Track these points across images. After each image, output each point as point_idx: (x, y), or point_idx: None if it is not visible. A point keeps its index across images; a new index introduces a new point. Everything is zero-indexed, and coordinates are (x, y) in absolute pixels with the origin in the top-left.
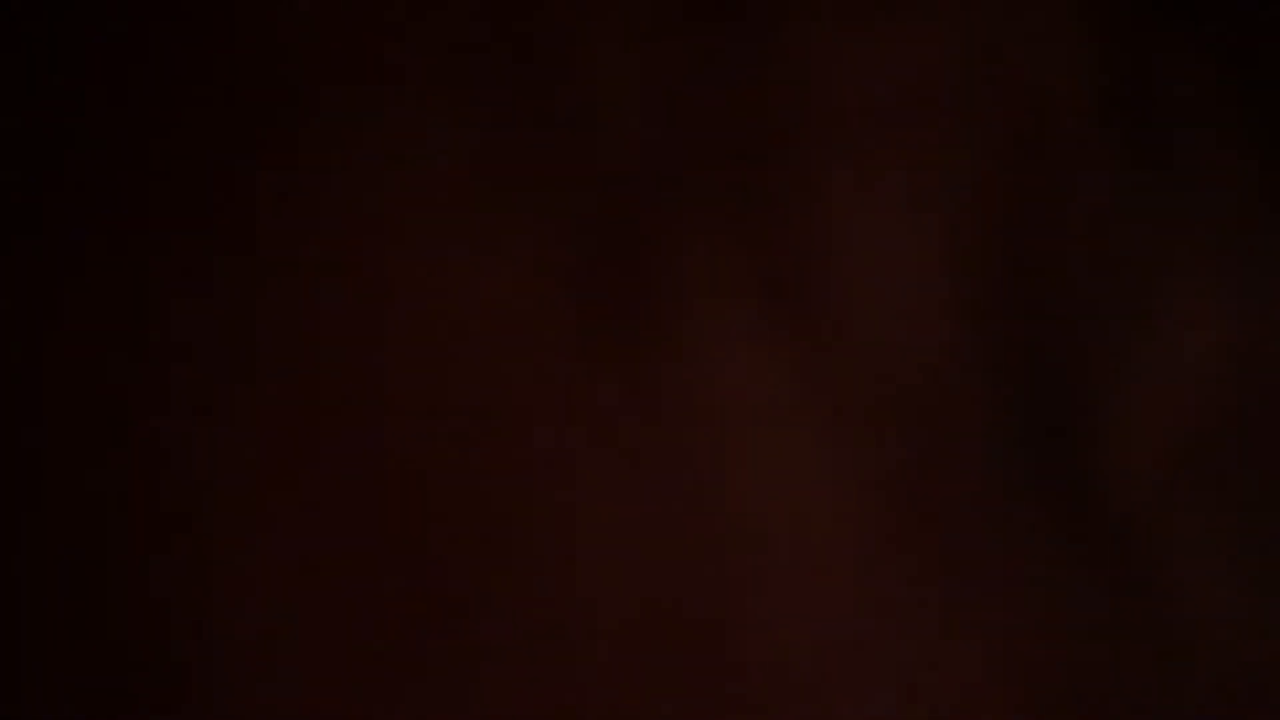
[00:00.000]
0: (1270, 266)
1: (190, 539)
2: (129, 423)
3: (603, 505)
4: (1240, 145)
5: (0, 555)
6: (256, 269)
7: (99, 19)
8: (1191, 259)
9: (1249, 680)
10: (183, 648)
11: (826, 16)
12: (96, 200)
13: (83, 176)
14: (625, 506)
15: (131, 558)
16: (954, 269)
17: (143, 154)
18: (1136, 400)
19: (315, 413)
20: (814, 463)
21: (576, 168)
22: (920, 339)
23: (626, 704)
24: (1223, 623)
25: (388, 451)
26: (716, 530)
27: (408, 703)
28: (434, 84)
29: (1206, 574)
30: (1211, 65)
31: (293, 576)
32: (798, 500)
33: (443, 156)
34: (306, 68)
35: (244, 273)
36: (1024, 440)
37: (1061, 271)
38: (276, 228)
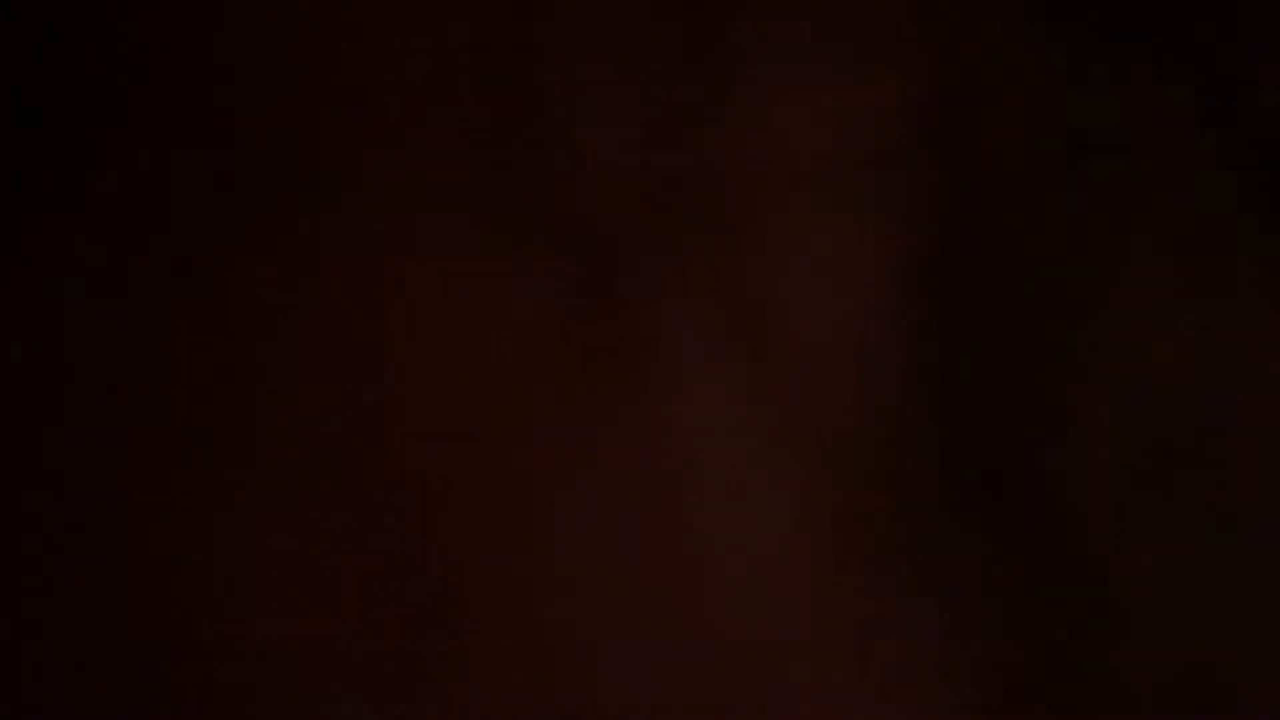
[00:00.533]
0: (1229, 277)
1: (189, 546)
2: (135, 434)
3: (579, 518)
4: (1201, 166)
5: (13, 574)
6: (253, 294)
7: (115, 34)
8: (1148, 275)
9: (1203, 685)
10: (181, 654)
11: (791, 74)
12: (108, 216)
13: (91, 188)
14: (598, 519)
15: (136, 565)
16: (908, 293)
17: (147, 190)
18: (1090, 410)
19: (312, 428)
20: (770, 476)
21: (555, 206)
22: (875, 360)
23: (595, 694)
24: (1177, 627)
25: (381, 466)
26: (682, 541)
27: (402, 699)
28: (418, 126)
29: (1156, 578)
30: (1171, 91)
31: (288, 579)
32: (755, 508)
33: (429, 193)
34: (300, 111)
35: (243, 295)
36: (978, 450)
37: (1017, 290)
38: (272, 258)
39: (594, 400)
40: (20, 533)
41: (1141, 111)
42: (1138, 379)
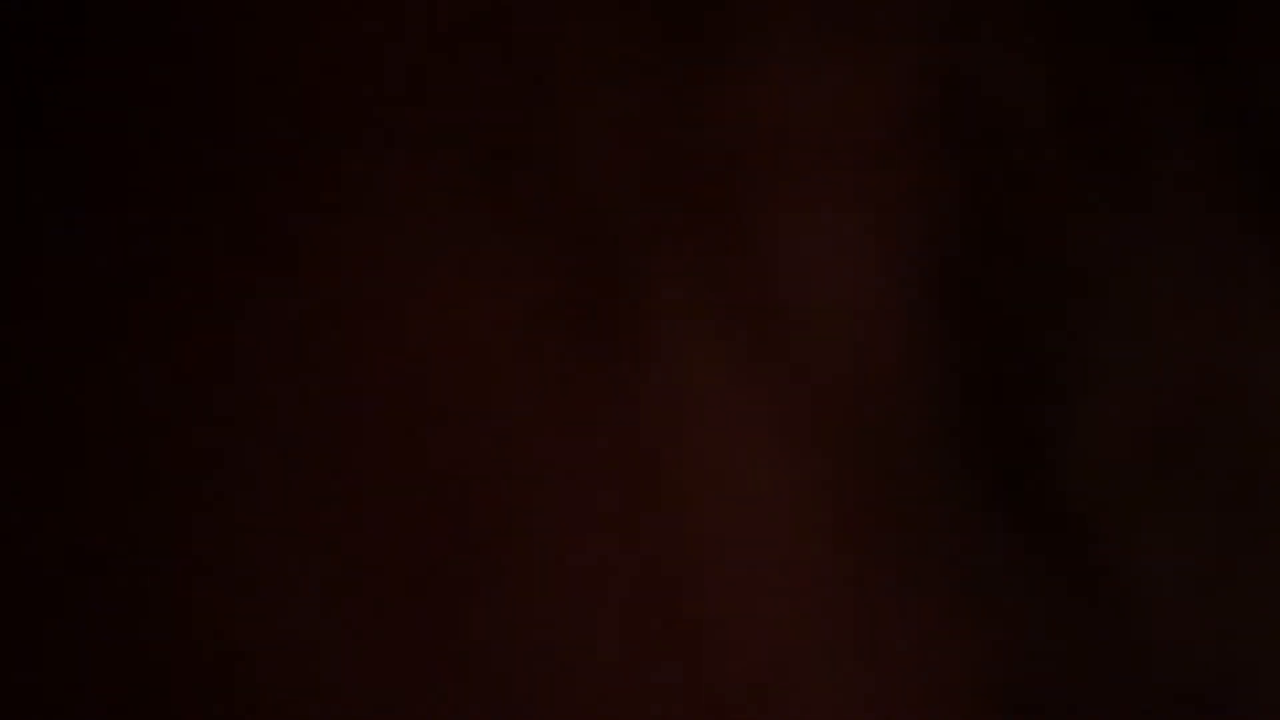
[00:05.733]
0: (1241, 274)
1: (191, 547)
2: (139, 435)
3: (580, 497)
4: (1206, 157)
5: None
6: (259, 286)
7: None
8: (1155, 266)
9: (1212, 681)
10: (187, 656)
11: (789, 56)
12: (110, 219)
13: (91, 191)
14: (600, 505)
15: (142, 567)
16: (911, 280)
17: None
18: (1100, 406)
19: (315, 423)
20: (773, 461)
21: (552, 200)
22: (879, 348)
23: (602, 686)
24: (1186, 623)
25: (382, 449)
26: (681, 525)
27: (408, 693)
28: (421, 137)
29: (1170, 575)
30: (1184, 82)
31: (292, 576)
32: (756, 496)
33: (433, 195)
34: (303, 122)
35: (244, 293)
36: (985, 439)
37: (1023, 277)
38: (270, 253)
39: (593, 387)
40: (26, 534)
41: (1148, 104)
42: (1149, 371)
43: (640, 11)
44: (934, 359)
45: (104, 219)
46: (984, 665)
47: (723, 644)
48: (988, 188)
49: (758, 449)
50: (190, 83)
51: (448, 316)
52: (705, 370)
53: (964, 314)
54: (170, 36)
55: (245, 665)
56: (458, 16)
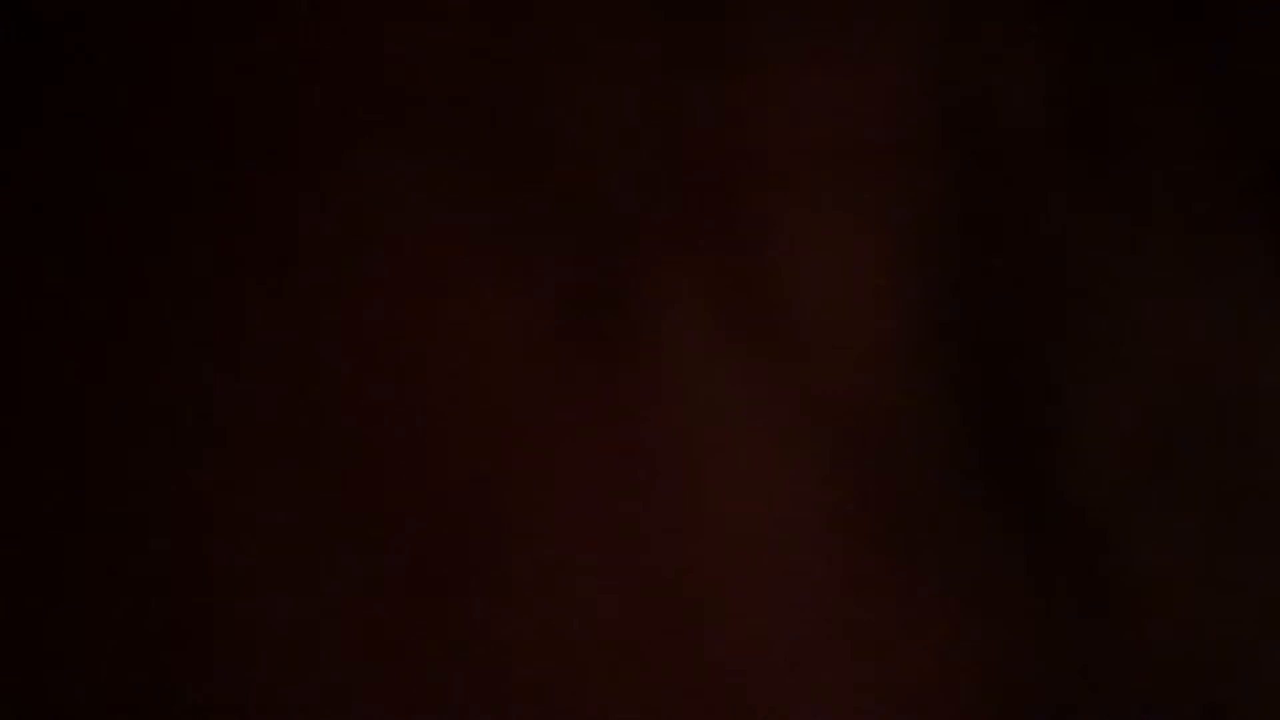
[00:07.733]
0: (1231, 273)
1: (189, 546)
2: (138, 437)
3: (583, 498)
4: (1203, 158)
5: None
6: (264, 287)
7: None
8: (1153, 267)
9: (1213, 680)
10: (180, 655)
11: (789, 58)
12: (109, 219)
13: (92, 192)
14: (604, 501)
15: (138, 565)
16: (910, 280)
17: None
18: (1097, 402)
19: (316, 425)
20: (775, 463)
21: (557, 204)
22: (879, 348)
23: (606, 686)
24: (1187, 622)
25: (385, 450)
26: (685, 526)
27: (400, 689)
28: (425, 138)
29: (1170, 575)
30: (1173, 81)
31: (290, 575)
32: (759, 497)
33: (438, 196)
34: (309, 124)
35: (254, 289)
36: (984, 439)
37: (1021, 278)
38: (273, 257)
39: (596, 386)
40: (23, 532)
41: (1148, 104)
42: (1148, 372)
43: (642, 14)
44: (934, 359)
45: (108, 219)
46: (984, 663)
47: (724, 641)
48: (988, 189)
49: (759, 448)
50: (194, 83)
51: (452, 316)
52: (707, 369)
53: (964, 313)
54: (175, 37)
55: (247, 664)
56: (463, 20)
